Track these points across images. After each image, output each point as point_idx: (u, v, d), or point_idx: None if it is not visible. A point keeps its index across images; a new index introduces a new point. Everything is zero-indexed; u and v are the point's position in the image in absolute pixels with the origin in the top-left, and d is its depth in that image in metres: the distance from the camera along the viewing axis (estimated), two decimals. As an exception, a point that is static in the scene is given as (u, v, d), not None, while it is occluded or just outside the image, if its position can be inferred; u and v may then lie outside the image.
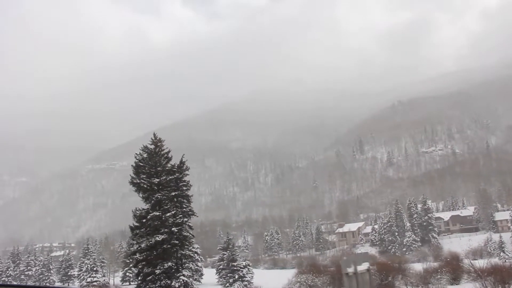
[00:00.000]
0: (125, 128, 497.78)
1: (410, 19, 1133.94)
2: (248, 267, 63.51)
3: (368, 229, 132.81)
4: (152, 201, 36.47)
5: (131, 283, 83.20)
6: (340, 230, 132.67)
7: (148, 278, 34.44)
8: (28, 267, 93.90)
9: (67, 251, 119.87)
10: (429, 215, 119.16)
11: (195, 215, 37.90)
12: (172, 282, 34.68)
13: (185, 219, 36.70)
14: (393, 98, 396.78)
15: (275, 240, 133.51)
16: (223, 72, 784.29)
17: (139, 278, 35.06)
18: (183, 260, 35.86)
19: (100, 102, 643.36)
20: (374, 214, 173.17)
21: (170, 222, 35.81)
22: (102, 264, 79.45)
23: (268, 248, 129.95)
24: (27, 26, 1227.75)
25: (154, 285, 34.30)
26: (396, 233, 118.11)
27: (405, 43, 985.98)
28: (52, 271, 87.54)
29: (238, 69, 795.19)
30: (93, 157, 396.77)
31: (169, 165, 38.02)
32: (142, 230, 36.28)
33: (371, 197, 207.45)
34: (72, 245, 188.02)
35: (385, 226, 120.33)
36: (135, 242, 35.76)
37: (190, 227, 37.76)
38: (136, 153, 38.67)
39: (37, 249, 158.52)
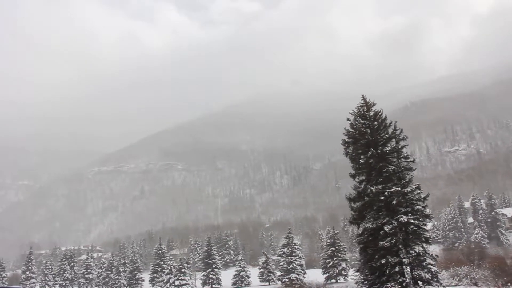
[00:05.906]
0: (126, 132, 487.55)
1: (403, 24, 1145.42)
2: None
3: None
4: (383, 175, 29.69)
5: (213, 286, 75.87)
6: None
7: (395, 270, 27.55)
8: (88, 270, 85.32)
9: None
10: (496, 211, 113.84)
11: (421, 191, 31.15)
12: (421, 273, 27.87)
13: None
14: (400, 100, 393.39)
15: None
16: (220, 77, 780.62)
17: (381, 270, 28.10)
18: (426, 245, 29.09)
19: (100, 107, 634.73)
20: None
21: (410, 198, 29.17)
22: (188, 266, 71.77)
23: (322, 247, 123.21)
24: (27, 35, 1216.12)
25: (403, 278, 27.44)
26: (462, 230, 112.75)
27: (400, 48, 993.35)
28: (122, 274, 78.97)
29: (235, 74, 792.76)
30: (99, 160, 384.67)
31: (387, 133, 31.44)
32: (373, 211, 29.52)
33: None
34: (98, 248, 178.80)
35: (449, 223, 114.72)
36: (371, 224, 28.85)
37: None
38: (348, 118, 32.04)
39: (64, 252, 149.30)
